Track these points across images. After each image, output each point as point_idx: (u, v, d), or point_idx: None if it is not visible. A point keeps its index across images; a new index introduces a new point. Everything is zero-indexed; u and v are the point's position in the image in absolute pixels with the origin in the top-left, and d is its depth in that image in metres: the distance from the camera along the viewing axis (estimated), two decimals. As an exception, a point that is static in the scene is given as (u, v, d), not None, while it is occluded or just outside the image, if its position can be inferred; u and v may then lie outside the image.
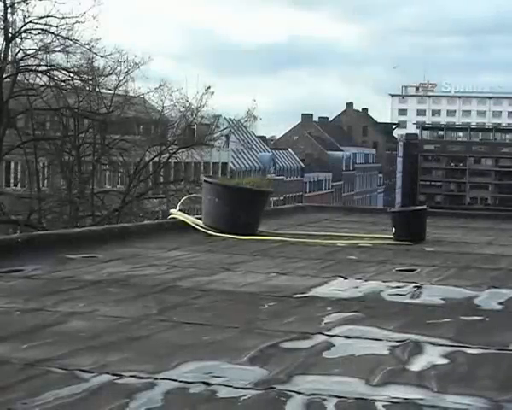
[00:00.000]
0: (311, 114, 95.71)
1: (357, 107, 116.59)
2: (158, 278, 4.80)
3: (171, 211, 7.92)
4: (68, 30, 26.19)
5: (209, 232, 7.12)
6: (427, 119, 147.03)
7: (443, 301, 4.29)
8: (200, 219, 7.46)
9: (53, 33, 26.43)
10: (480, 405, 2.53)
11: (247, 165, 62.03)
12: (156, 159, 30.09)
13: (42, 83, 27.28)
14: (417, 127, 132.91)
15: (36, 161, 27.69)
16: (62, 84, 27.11)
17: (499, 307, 4.22)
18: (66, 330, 3.42)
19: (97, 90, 28.11)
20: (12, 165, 34.52)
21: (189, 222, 7.42)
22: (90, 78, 27.73)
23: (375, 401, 2.53)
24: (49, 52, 26.65)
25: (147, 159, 29.94)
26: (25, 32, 26.59)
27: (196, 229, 7.26)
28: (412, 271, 5.34)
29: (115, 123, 28.77)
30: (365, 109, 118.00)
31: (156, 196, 30.48)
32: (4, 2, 25.95)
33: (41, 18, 26.35)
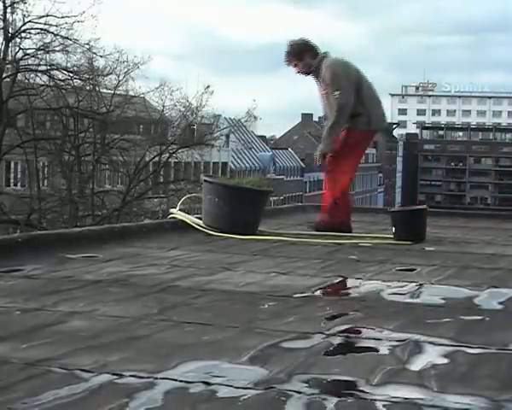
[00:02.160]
0: (311, 114, 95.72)
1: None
2: (158, 277, 4.80)
3: (172, 211, 7.93)
4: (68, 29, 26.24)
5: (209, 232, 7.12)
6: (427, 118, 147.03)
7: (443, 301, 4.29)
8: (200, 218, 7.46)
9: (52, 33, 26.49)
10: (480, 404, 2.53)
11: (247, 165, 62.06)
12: (156, 159, 30.12)
13: (42, 82, 27.32)
14: (417, 127, 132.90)
15: (36, 161, 27.72)
16: (62, 83, 27.16)
17: (499, 306, 4.22)
18: (66, 329, 3.42)
19: (97, 89, 28.15)
20: (12, 165, 34.57)
21: (189, 222, 7.42)
22: (89, 77, 27.77)
23: (375, 400, 2.53)
24: (48, 52, 26.69)
25: (147, 159, 29.97)
26: (24, 31, 26.64)
27: (196, 228, 7.26)
28: (412, 270, 5.34)
29: (115, 123, 28.81)
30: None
31: (156, 195, 30.51)
32: (4, 2, 26.01)
33: (40, 17, 26.41)
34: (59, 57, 26.98)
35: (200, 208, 7.66)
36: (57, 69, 26.97)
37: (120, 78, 28.78)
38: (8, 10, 26.07)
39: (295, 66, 7.49)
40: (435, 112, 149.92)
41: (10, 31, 26.24)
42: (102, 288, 4.41)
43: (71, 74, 27.10)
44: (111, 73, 28.46)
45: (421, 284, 4.75)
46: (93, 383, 2.64)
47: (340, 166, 7.38)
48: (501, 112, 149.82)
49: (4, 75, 26.57)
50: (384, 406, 2.49)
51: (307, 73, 7.53)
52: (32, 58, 26.84)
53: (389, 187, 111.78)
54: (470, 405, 2.52)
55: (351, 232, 7.35)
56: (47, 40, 26.50)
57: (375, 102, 7.53)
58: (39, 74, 27.14)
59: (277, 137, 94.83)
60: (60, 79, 27.05)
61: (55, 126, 29.60)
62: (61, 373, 2.74)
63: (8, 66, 26.82)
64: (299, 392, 2.59)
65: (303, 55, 7.41)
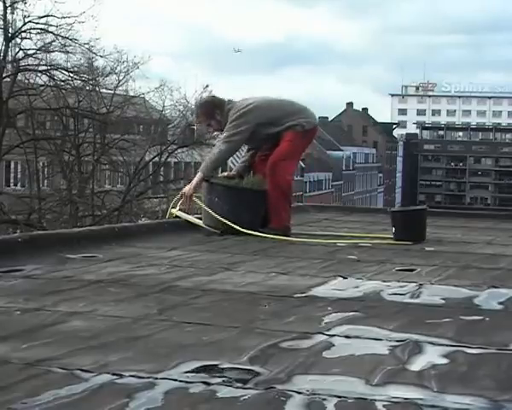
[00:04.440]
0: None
1: (357, 106, 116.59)
2: (158, 277, 4.80)
3: (172, 211, 7.93)
4: (68, 30, 26.24)
5: (211, 230, 7.13)
6: (427, 118, 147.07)
7: (443, 301, 4.29)
8: (200, 218, 7.47)
9: (53, 33, 26.48)
10: (480, 405, 2.53)
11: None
12: (156, 158, 30.12)
13: (42, 82, 27.32)
14: (417, 127, 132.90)
15: (36, 161, 27.72)
16: (62, 83, 27.15)
17: (499, 306, 4.22)
18: (67, 329, 3.42)
19: (97, 89, 28.14)
20: (12, 165, 34.57)
21: (192, 221, 7.44)
22: (90, 78, 27.77)
23: (375, 400, 2.53)
24: (48, 52, 26.68)
25: (147, 158, 29.96)
26: (24, 31, 26.63)
27: (195, 227, 7.26)
28: (412, 270, 5.33)
29: (115, 123, 28.79)
30: (365, 109, 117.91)
31: (156, 195, 30.50)
32: (4, 2, 26.00)
33: (41, 17, 26.42)
34: (59, 57, 27.00)
35: (200, 208, 7.66)
36: (57, 69, 26.97)
37: (120, 78, 28.81)
38: (9, 10, 26.08)
39: (209, 125, 7.67)
40: (435, 112, 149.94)
41: (10, 31, 26.24)
42: (102, 288, 4.41)
43: (71, 74, 27.10)
44: (111, 74, 28.48)
45: (421, 284, 4.75)
46: (93, 383, 2.64)
47: (283, 169, 7.29)
48: (501, 112, 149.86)
49: (4, 75, 26.56)
50: (384, 406, 2.49)
51: (221, 130, 7.51)
52: (32, 58, 26.84)
53: (389, 187, 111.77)
54: (470, 405, 2.52)
55: (289, 236, 7.13)
56: (47, 40, 26.51)
57: (296, 109, 7.48)
58: (39, 74, 27.15)
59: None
60: (60, 80, 27.04)
61: (55, 126, 29.60)
62: (61, 373, 2.74)
63: (8, 66, 26.81)
64: (299, 392, 2.59)
65: (213, 114, 7.46)
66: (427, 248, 6.66)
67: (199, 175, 7.49)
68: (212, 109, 7.48)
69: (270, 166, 7.29)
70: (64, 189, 27.85)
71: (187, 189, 7.50)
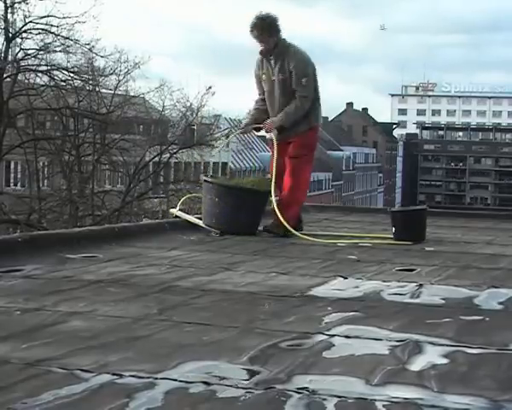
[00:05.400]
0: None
1: (357, 106, 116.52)
2: (158, 277, 4.80)
3: (172, 211, 7.93)
4: (69, 30, 26.21)
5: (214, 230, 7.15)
6: (427, 118, 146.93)
7: (443, 301, 4.29)
8: (200, 218, 7.47)
9: (53, 33, 26.45)
10: (480, 405, 2.53)
11: (247, 165, 62.00)
12: (156, 159, 30.12)
13: (42, 83, 27.30)
14: (417, 127, 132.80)
15: (36, 161, 27.70)
16: (62, 84, 27.12)
17: (499, 306, 4.22)
18: (66, 329, 3.42)
19: (97, 90, 28.12)
20: (12, 165, 34.57)
21: (192, 221, 7.44)
22: (90, 78, 27.75)
23: (375, 400, 2.53)
24: (49, 52, 26.66)
25: (147, 159, 29.96)
26: (25, 31, 26.60)
27: (200, 227, 7.27)
28: (412, 270, 5.34)
29: (115, 123, 28.76)
30: (365, 109, 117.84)
31: (156, 196, 30.49)
32: (5, 2, 25.96)
33: (41, 18, 26.38)
34: (59, 57, 26.98)
35: (200, 208, 7.66)
36: (57, 69, 26.95)
37: (120, 78, 28.79)
38: (9, 10, 26.06)
39: (263, 42, 7.15)
40: (435, 112, 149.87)
41: (11, 31, 26.22)
42: (102, 288, 4.41)
43: (71, 75, 27.08)
44: (111, 74, 28.46)
45: (421, 284, 4.75)
46: (93, 383, 2.64)
47: (302, 167, 7.31)
48: (501, 112, 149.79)
49: (5, 75, 26.54)
50: (384, 406, 2.49)
51: (269, 52, 7.22)
52: (33, 58, 26.82)
53: (389, 187, 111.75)
54: (470, 405, 2.52)
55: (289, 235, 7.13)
56: (48, 40, 26.50)
57: (318, 96, 7.42)
58: (40, 74, 27.13)
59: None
60: (60, 80, 27.03)
61: (55, 126, 29.59)
62: (61, 373, 2.74)
63: (8, 66, 26.79)
64: (299, 392, 2.59)
65: (273, 33, 7.15)
66: (427, 248, 6.66)
67: (279, 121, 7.22)
68: (274, 29, 7.14)
69: (290, 171, 7.24)
70: (64, 189, 27.82)
71: (268, 121, 7.27)
